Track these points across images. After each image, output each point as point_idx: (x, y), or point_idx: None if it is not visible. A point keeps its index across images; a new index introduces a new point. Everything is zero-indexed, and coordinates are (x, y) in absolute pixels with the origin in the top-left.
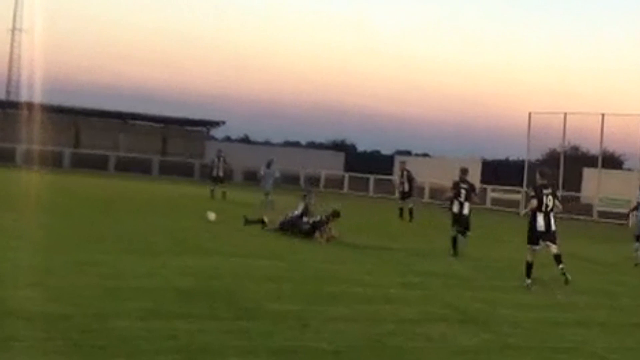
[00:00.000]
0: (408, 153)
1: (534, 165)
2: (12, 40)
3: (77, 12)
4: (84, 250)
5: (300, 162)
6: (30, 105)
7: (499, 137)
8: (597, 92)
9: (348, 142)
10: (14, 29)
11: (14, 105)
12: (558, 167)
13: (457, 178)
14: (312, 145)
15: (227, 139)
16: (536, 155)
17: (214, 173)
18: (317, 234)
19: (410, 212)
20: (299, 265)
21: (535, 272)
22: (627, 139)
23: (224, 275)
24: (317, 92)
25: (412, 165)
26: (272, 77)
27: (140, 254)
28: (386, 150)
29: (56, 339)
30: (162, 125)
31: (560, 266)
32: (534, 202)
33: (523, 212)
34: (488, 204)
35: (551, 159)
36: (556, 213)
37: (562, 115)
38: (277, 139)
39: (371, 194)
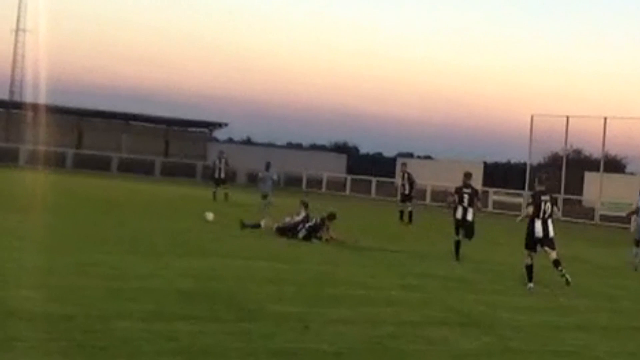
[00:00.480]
0: (410, 155)
1: (536, 169)
2: (16, 40)
3: (81, 13)
4: (86, 251)
5: (303, 164)
6: (33, 106)
7: (501, 140)
8: (600, 95)
9: (350, 144)
10: (17, 30)
11: (17, 105)
12: (560, 171)
13: (459, 182)
14: (314, 147)
15: (230, 140)
16: (538, 158)
17: (216, 174)
18: (314, 237)
19: (410, 215)
20: (300, 267)
21: (536, 275)
22: (629, 143)
23: (225, 277)
24: (319, 94)
25: (414, 167)
26: (274, 79)
27: (142, 255)
28: (388, 153)
29: (59, 339)
30: (164, 126)
31: (559, 268)
32: (530, 210)
33: (518, 219)
34: (490, 207)
35: (553, 162)
36: (554, 219)
37: (564, 119)
38: (279, 140)
39: (373, 196)
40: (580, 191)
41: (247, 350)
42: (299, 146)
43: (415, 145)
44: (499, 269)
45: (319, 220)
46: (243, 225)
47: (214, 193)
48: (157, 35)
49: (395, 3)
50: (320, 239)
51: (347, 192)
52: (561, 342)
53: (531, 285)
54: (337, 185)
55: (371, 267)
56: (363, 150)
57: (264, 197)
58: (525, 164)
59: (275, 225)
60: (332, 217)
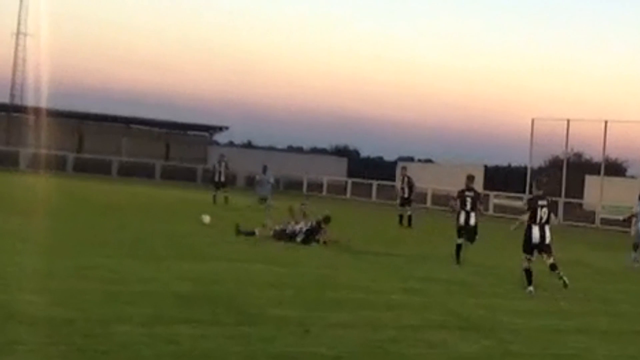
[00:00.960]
0: (411, 159)
1: (537, 172)
2: (17, 44)
3: (81, 16)
4: (86, 254)
5: (303, 167)
6: (34, 110)
7: (502, 143)
8: (601, 98)
9: (351, 147)
10: (18, 33)
11: (18, 109)
12: (561, 174)
13: (460, 186)
14: (315, 150)
15: (230, 144)
16: (539, 162)
17: (216, 178)
18: (312, 240)
19: (410, 219)
20: (300, 271)
21: (535, 279)
22: (630, 146)
23: (225, 281)
24: (320, 97)
25: (415, 171)
26: (275, 82)
27: (142, 258)
28: (389, 156)
29: (59, 343)
30: (165, 130)
31: (557, 271)
32: (524, 217)
33: (512, 227)
34: (490, 211)
35: (554, 166)
36: (552, 226)
37: (565, 122)
38: (280, 144)
39: (374, 200)
40: (580, 195)
41: (247, 354)
42: (299, 150)
43: (416, 149)
44: (499, 272)
45: (314, 223)
46: (238, 232)
47: (214, 196)
48: (157, 38)
49: (396, 7)
50: (318, 241)
51: (348, 195)
52: (562, 345)
53: (531, 288)
54: (337, 189)
55: (371, 270)
56: (364, 153)
57: (263, 200)
58: (526, 168)
59: (275, 229)
60: (327, 220)
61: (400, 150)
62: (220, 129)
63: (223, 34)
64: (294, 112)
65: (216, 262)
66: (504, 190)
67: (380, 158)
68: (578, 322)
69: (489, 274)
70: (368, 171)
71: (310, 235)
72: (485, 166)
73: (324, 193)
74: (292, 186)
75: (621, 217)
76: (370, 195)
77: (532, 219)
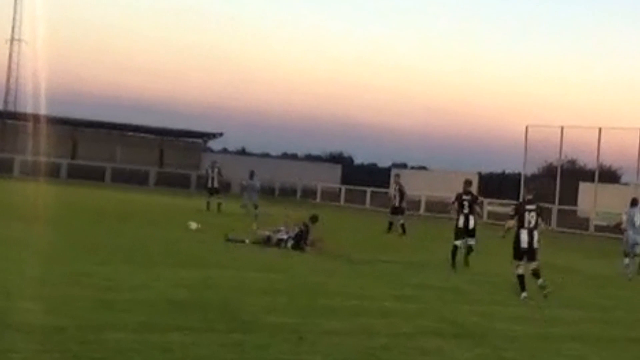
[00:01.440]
0: (404, 166)
1: (530, 179)
2: (11, 50)
3: (75, 22)
4: (80, 261)
5: (297, 174)
6: (28, 116)
7: (496, 150)
8: (595, 106)
9: (345, 154)
10: (12, 39)
11: (11, 115)
12: (555, 181)
13: (454, 192)
14: (309, 157)
15: (225, 150)
16: (533, 168)
17: (209, 184)
18: (303, 244)
19: (402, 227)
20: (294, 278)
21: (529, 285)
22: (624, 153)
23: (219, 288)
24: (314, 104)
25: (409, 178)
26: (269, 89)
27: (135, 265)
28: (383, 163)
29: (52, 351)
30: (159, 136)
31: (540, 281)
32: (510, 222)
33: (500, 233)
34: (485, 218)
35: (548, 173)
36: (540, 232)
37: (559, 129)
38: (274, 151)
39: (368, 206)
40: (574, 201)
41: None
42: (293, 156)
43: (409, 156)
44: (493, 279)
45: (302, 226)
46: (227, 240)
47: (208, 203)
48: (151, 45)
49: (390, 14)
50: (307, 244)
51: (342, 202)
52: (555, 352)
53: (525, 294)
54: (331, 196)
55: (365, 277)
56: (358, 160)
57: (255, 206)
58: (520, 175)
59: (264, 235)
60: (314, 219)
61: (394, 157)
62: (215, 135)
63: (217, 41)
64: (288, 118)
65: (209, 269)
66: (499, 198)
67: (374, 165)
68: (572, 329)
69: (483, 281)
70: (362, 178)
71: (300, 240)
72: (480, 173)
73: (318, 200)
74: (286, 193)
75: (607, 223)
76: (364, 202)
77: (520, 224)
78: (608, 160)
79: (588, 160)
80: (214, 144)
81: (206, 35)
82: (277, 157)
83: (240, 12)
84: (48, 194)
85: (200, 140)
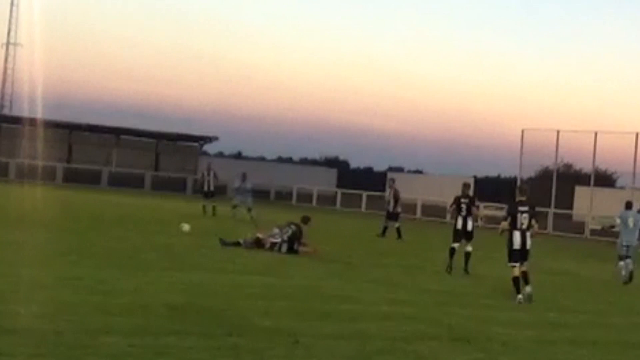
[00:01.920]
0: (400, 170)
1: (526, 182)
2: (6, 54)
3: (71, 26)
4: (75, 265)
5: (293, 178)
6: (24, 120)
7: (492, 154)
8: (590, 110)
9: (341, 158)
10: (8, 43)
11: (7, 119)
12: (550, 185)
13: (450, 196)
14: (305, 161)
15: (220, 154)
16: (529, 172)
17: (205, 188)
18: (296, 246)
19: (398, 231)
20: (289, 282)
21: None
22: (620, 157)
23: (214, 291)
24: (310, 108)
25: (405, 182)
26: (265, 93)
27: (131, 269)
28: (379, 167)
29: (48, 355)
30: (154, 140)
31: (528, 288)
32: (504, 224)
33: (499, 230)
34: (480, 221)
35: (544, 177)
36: (533, 233)
37: (555, 133)
38: (270, 155)
39: (363, 210)
40: (570, 205)
41: None
42: (289, 160)
43: (405, 160)
44: (489, 283)
45: (294, 228)
46: (223, 243)
47: (204, 207)
48: (147, 49)
49: (385, 18)
50: (300, 245)
51: (338, 206)
52: (552, 357)
53: (520, 297)
54: (327, 200)
55: (361, 281)
56: (353, 164)
57: (248, 210)
58: (516, 179)
59: (256, 237)
60: (306, 220)
61: (390, 161)
62: (210, 139)
63: (213, 45)
64: (284, 122)
65: (205, 272)
66: (495, 202)
67: (370, 169)
68: (568, 333)
69: (479, 284)
70: (358, 182)
71: (294, 242)
72: (475, 177)
73: (314, 204)
74: (282, 197)
75: (601, 227)
76: (360, 206)
77: (513, 225)
78: (604, 164)
79: (584, 164)
80: (209, 148)
81: (201, 40)
82: (273, 160)
83: (236, 16)
84: (44, 198)
85: (196, 144)
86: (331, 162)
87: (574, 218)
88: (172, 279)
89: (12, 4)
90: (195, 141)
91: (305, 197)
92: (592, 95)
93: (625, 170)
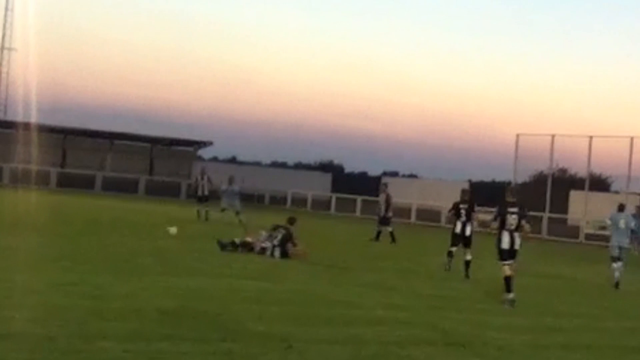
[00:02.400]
0: (395, 174)
1: (521, 186)
2: (1, 58)
3: (66, 31)
4: (68, 270)
5: (288, 183)
6: (18, 124)
7: (487, 158)
8: (585, 114)
9: (335, 163)
10: (2, 48)
11: (1, 124)
12: (545, 189)
13: (444, 201)
14: (299, 166)
15: (215, 159)
16: (523, 177)
17: (199, 192)
18: (289, 248)
19: (391, 235)
20: (283, 286)
21: (520, 295)
22: (614, 161)
23: (208, 296)
24: (305, 112)
25: (400, 186)
26: (260, 97)
27: (124, 274)
28: (373, 172)
29: None
30: (149, 145)
31: (511, 296)
32: (494, 225)
33: (494, 227)
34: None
35: (538, 181)
36: (527, 234)
37: (549, 137)
38: (265, 159)
39: (358, 215)
40: (565, 210)
41: None
42: (284, 165)
43: (400, 164)
44: (484, 287)
45: (283, 231)
46: (222, 246)
47: (198, 211)
48: (142, 54)
49: (380, 22)
50: (294, 244)
51: (332, 210)
52: None
53: (511, 295)
54: (322, 204)
55: (355, 286)
56: (348, 169)
57: (237, 213)
58: (510, 183)
59: (245, 240)
60: (292, 220)
61: (385, 166)
62: (205, 144)
63: (208, 49)
64: (279, 127)
65: (199, 277)
66: (489, 206)
67: (365, 173)
68: (562, 337)
69: (473, 289)
70: (352, 186)
71: (286, 244)
72: (470, 181)
73: (309, 208)
74: (276, 201)
75: (593, 231)
76: (354, 211)
77: (502, 226)
78: (599, 169)
79: (579, 169)
80: (204, 153)
81: (196, 44)
82: (268, 165)
83: (230, 20)
84: (37, 203)
85: (190, 149)
86: (326, 167)
87: (569, 222)
88: (166, 284)
89: (6, 8)
90: (189, 146)
91: (300, 202)
92: (586, 99)
93: (620, 174)
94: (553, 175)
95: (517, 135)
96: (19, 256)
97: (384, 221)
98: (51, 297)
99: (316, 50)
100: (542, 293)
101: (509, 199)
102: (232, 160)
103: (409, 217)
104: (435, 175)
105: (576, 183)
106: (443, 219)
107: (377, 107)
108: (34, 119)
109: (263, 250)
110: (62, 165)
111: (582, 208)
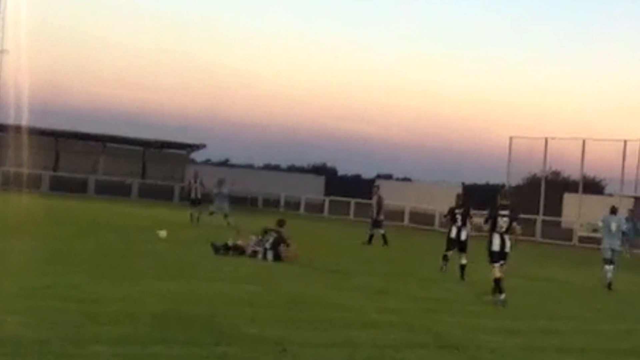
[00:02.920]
0: (389, 177)
1: (515, 190)
2: None
3: (58, 33)
4: (61, 273)
5: (281, 185)
6: (10, 127)
7: (480, 161)
8: (579, 117)
9: (328, 165)
10: None
11: None
12: (539, 192)
13: (438, 204)
14: (292, 168)
15: (208, 162)
16: (517, 180)
17: (192, 195)
18: (282, 250)
19: (384, 237)
20: (276, 290)
21: (514, 298)
22: (608, 164)
23: (202, 300)
24: (297, 115)
25: (393, 189)
26: (252, 100)
27: (118, 277)
28: (367, 174)
29: None
30: (141, 148)
31: (502, 296)
32: (485, 227)
33: (484, 229)
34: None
35: (532, 184)
36: (518, 236)
37: (543, 140)
38: (257, 162)
39: (352, 217)
40: (559, 213)
41: None
42: (276, 167)
43: (394, 167)
44: (477, 290)
45: (275, 234)
46: (216, 250)
47: (191, 215)
48: (134, 56)
49: (373, 25)
50: (287, 244)
51: (326, 213)
52: None
53: (502, 296)
54: (315, 207)
55: (348, 289)
56: (342, 171)
57: (225, 216)
58: (504, 186)
59: (237, 243)
60: (282, 223)
61: (379, 168)
62: (198, 147)
63: (200, 52)
64: (271, 129)
65: (192, 281)
66: (483, 209)
67: (358, 176)
68: (556, 340)
69: (467, 292)
70: (346, 189)
71: (278, 246)
72: (464, 184)
73: (302, 211)
74: (269, 204)
75: (587, 234)
76: (348, 213)
77: (493, 228)
78: (592, 172)
79: (572, 172)
80: (197, 156)
81: (189, 46)
82: (261, 168)
83: (223, 23)
84: (30, 206)
85: (183, 152)
86: (319, 169)
87: (563, 225)
88: (160, 287)
89: None
90: (182, 149)
91: (293, 205)
92: (580, 102)
93: (614, 177)
94: (546, 178)
95: (511, 138)
96: (10, 260)
97: (376, 224)
98: (44, 301)
99: (310, 52)
100: (536, 296)
101: (501, 201)
102: (225, 163)
103: (403, 220)
104: (429, 178)
105: (570, 186)
106: (437, 222)
107: (371, 110)
108: (26, 122)
109: (255, 253)
110: (55, 169)
111: (576, 211)
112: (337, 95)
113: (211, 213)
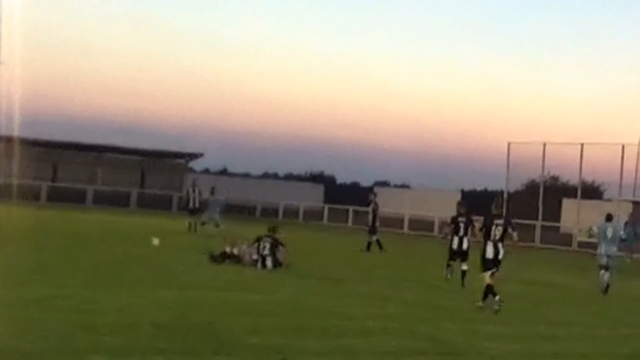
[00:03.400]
0: (387, 184)
1: (513, 196)
2: None
3: (54, 44)
4: (59, 284)
5: (279, 194)
6: (6, 139)
7: (478, 167)
8: (577, 121)
9: (326, 173)
10: None
11: None
12: (537, 198)
13: (436, 211)
14: (290, 177)
15: (206, 171)
16: (515, 185)
17: (191, 204)
18: (279, 255)
19: (378, 243)
20: (276, 298)
21: (513, 304)
22: (606, 169)
23: (201, 309)
24: (295, 123)
25: (391, 196)
26: (250, 108)
27: (116, 287)
28: (365, 182)
29: None
30: (140, 157)
31: (497, 297)
32: (479, 235)
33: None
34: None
35: (531, 189)
36: (516, 242)
37: (541, 145)
38: (256, 170)
39: (350, 225)
40: (558, 218)
41: None
42: (274, 176)
43: (391, 174)
44: (476, 296)
45: (270, 240)
46: (213, 259)
47: (189, 223)
48: (131, 65)
49: (369, 31)
50: (284, 247)
51: (325, 221)
52: None
53: (497, 298)
54: (314, 215)
55: (347, 296)
56: (340, 179)
57: (217, 225)
58: (502, 192)
59: (225, 250)
60: (274, 229)
61: (376, 176)
62: (196, 156)
63: (197, 60)
64: (270, 138)
65: (191, 290)
66: (481, 215)
67: (357, 184)
68: (555, 346)
69: (465, 298)
70: (344, 197)
71: (276, 251)
72: (462, 190)
73: (301, 219)
74: (268, 213)
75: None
76: (347, 221)
77: (487, 237)
78: (591, 177)
79: (571, 177)
80: (195, 165)
81: (186, 56)
82: (259, 177)
83: (220, 32)
84: (28, 218)
85: (182, 161)
86: (316, 178)
87: (562, 230)
88: (159, 297)
89: None
90: (180, 158)
91: (292, 213)
92: (577, 107)
93: (613, 182)
94: (545, 183)
95: (509, 144)
96: (8, 271)
97: (372, 231)
98: (41, 311)
99: (307, 61)
100: (535, 301)
101: (495, 211)
102: (223, 172)
103: (402, 227)
104: (427, 184)
105: (568, 191)
106: (436, 228)
107: (368, 117)
108: (23, 133)
109: (255, 262)
110: (54, 180)
111: (575, 216)
112: (335, 103)
113: (203, 223)
